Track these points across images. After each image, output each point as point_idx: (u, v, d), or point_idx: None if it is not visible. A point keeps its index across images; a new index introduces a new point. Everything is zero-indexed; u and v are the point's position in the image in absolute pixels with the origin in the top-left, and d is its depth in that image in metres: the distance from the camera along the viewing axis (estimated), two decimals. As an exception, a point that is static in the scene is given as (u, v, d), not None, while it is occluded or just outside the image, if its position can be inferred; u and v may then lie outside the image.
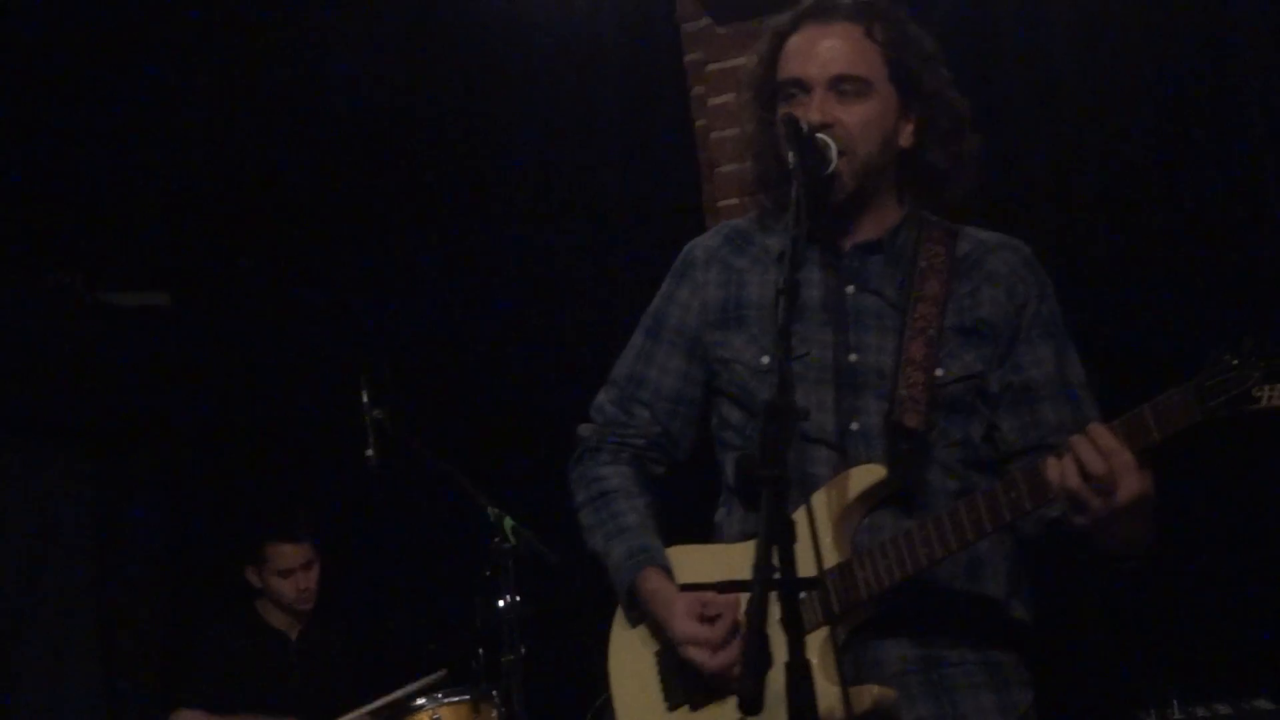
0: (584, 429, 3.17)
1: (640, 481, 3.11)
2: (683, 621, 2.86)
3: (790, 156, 2.72)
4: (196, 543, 6.23)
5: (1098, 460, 2.54)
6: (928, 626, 2.82)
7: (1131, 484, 2.54)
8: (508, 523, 4.49)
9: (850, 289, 2.95)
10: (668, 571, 2.97)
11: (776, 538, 2.27)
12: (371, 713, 4.90)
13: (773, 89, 3.02)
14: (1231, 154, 4.51)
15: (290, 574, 5.47)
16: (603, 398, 3.17)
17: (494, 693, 4.69)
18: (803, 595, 2.73)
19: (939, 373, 2.86)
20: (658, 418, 3.10)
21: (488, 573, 4.51)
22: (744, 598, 2.78)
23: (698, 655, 2.84)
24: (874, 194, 2.98)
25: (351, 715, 4.93)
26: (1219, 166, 4.52)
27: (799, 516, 2.61)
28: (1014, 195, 4.35)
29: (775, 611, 2.77)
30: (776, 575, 2.27)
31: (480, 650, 4.90)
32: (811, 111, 2.85)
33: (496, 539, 4.49)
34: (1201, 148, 4.53)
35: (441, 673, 4.97)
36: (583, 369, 5.30)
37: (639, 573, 2.97)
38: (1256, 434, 4.26)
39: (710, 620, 2.84)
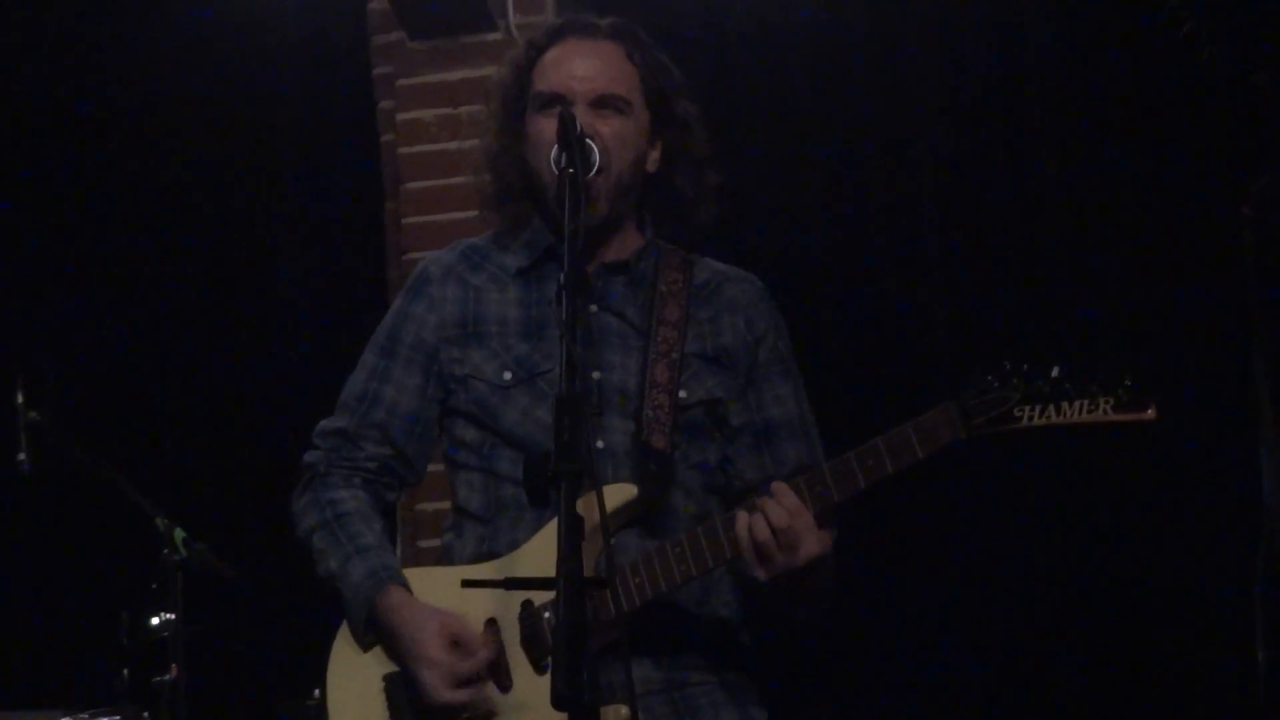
0: (310, 456, 3.08)
1: (374, 506, 3.03)
2: (434, 641, 2.79)
3: (561, 155, 2.70)
4: None
5: (783, 516, 2.66)
6: (667, 649, 2.86)
7: (811, 543, 2.67)
8: (178, 534, 4.26)
9: (593, 308, 2.97)
10: (409, 591, 2.90)
11: (570, 533, 2.28)
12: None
13: (523, 101, 3.02)
14: (962, 176, 4.76)
15: None
16: (330, 423, 3.08)
17: (145, 714, 4.44)
18: (547, 615, 2.78)
19: (682, 395, 2.92)
20: (392, 438, 3.02)
21: (154, 585, 4.27)
22: (505, 635, 2.81)
23: (433, 680, 2.78)
24: (621, 215, 3.03)
25: None
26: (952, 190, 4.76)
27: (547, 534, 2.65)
28: (745, 224, 4.47)
29: (516, 634, 2.79)
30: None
31: (125, 670, 4.64)
32: None
33: (166, 551, 4.25)
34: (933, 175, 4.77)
35: None
36: (251, 378, 5.23)
37: (381, 590, 2.89)
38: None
39: (461, 651, 2.79)
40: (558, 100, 2.92)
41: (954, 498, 4.34)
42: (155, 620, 4.33)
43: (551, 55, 3.00)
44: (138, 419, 5.23)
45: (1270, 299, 4.13)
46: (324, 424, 3.09)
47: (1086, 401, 2.58)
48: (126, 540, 4.40)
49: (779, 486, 2.70)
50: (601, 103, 2.93)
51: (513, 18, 4.89)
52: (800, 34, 4.82)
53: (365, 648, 2.92)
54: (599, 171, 2.84)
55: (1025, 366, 2.62)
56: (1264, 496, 3.85)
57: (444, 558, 3.05)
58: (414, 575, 2.95)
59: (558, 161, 2.70)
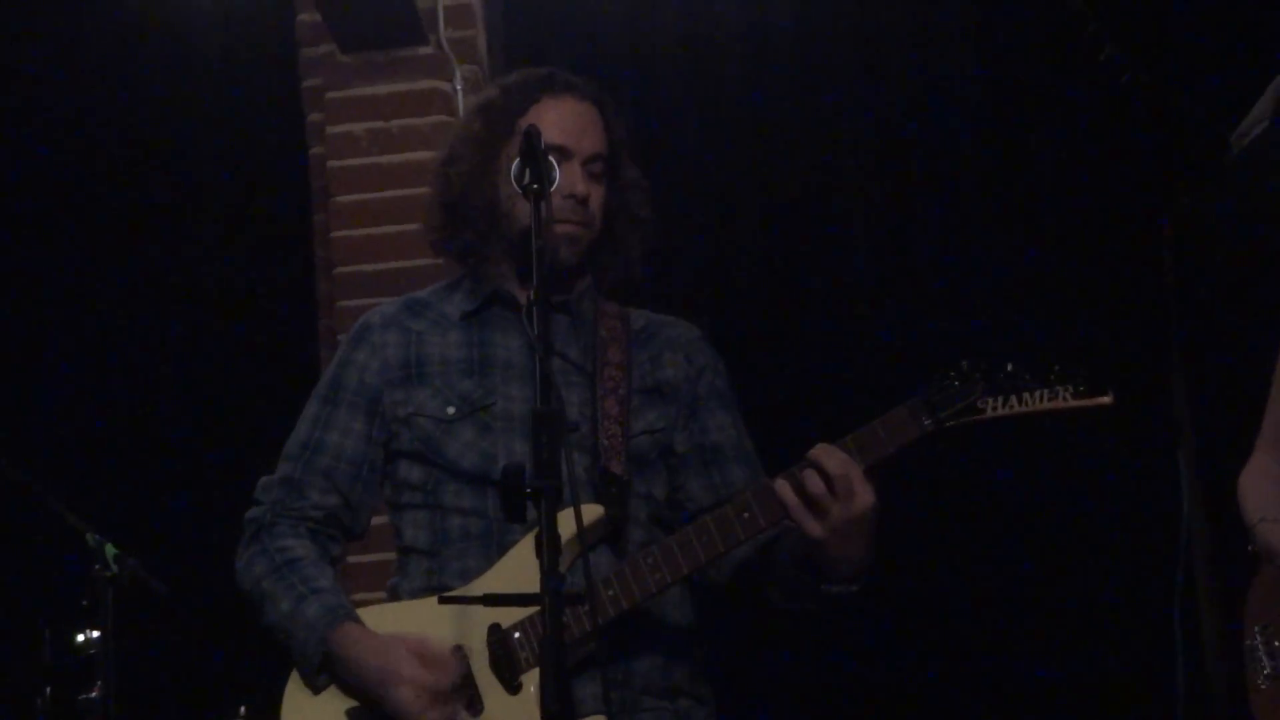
0: (253, 511, 3.06)
1: (323, 557, 3.01)
2: (406, 661, 2.78)
3: (525, 171, 2.66)
4: None
5: (839, 464, 2.66)
6: (619, 674, 2.86)
7: (866, 491, 2.67)
8: (109, 549, 4.20)
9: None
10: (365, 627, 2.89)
11: (551, 548, 2.31)
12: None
13: (499, 145, 3.03)
14: (890, 194, 4.83)
15: None
16: (271, 477, 3.06)
17: (69, 735, 4.39)
18: (517, 635, 2.80)
19: (632, 426, 2.96)
20: (338, 485, 3.02)
21: (84, 602, 4.22)
22: (473, 660, 2.80)
23: (408, 698, 2.76)
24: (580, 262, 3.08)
25: None
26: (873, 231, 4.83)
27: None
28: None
29: (485, 658, 2.79)
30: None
31: (47, 689, 4.58)
32: (577, 183, 2.93)
33: (97, 566, 4.20)
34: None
35: None
36: (179, 391, 5.19)
37: (338, 626, 2.87)
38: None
39: (434, 668, 2.79)
40: (557, 152, 2.86)
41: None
42: (80, 637, 4.30)
43: (549, 107, 3.01)
44: (67, 433, 5.18)
45: (1189, 313, 4.24)
46: (265, 479, 3.07)
47: (1046, 390, 2.64)
48: (52, 556, 4.35)
49: (824, 446, 2.70)
50: (592, 164, 3.01)
51: (444, 32, 4.90)
52: (729, 56, 4.89)
53: (317, 690, 2.89)
54: (584, 226, 2.96)
55: (983, 363, 2.69)
56: (1183, 514, 3.94)
57: (392, 598, 3.03)
58: (369, 614, 2.93)
59: (519, 178, 2.70)
